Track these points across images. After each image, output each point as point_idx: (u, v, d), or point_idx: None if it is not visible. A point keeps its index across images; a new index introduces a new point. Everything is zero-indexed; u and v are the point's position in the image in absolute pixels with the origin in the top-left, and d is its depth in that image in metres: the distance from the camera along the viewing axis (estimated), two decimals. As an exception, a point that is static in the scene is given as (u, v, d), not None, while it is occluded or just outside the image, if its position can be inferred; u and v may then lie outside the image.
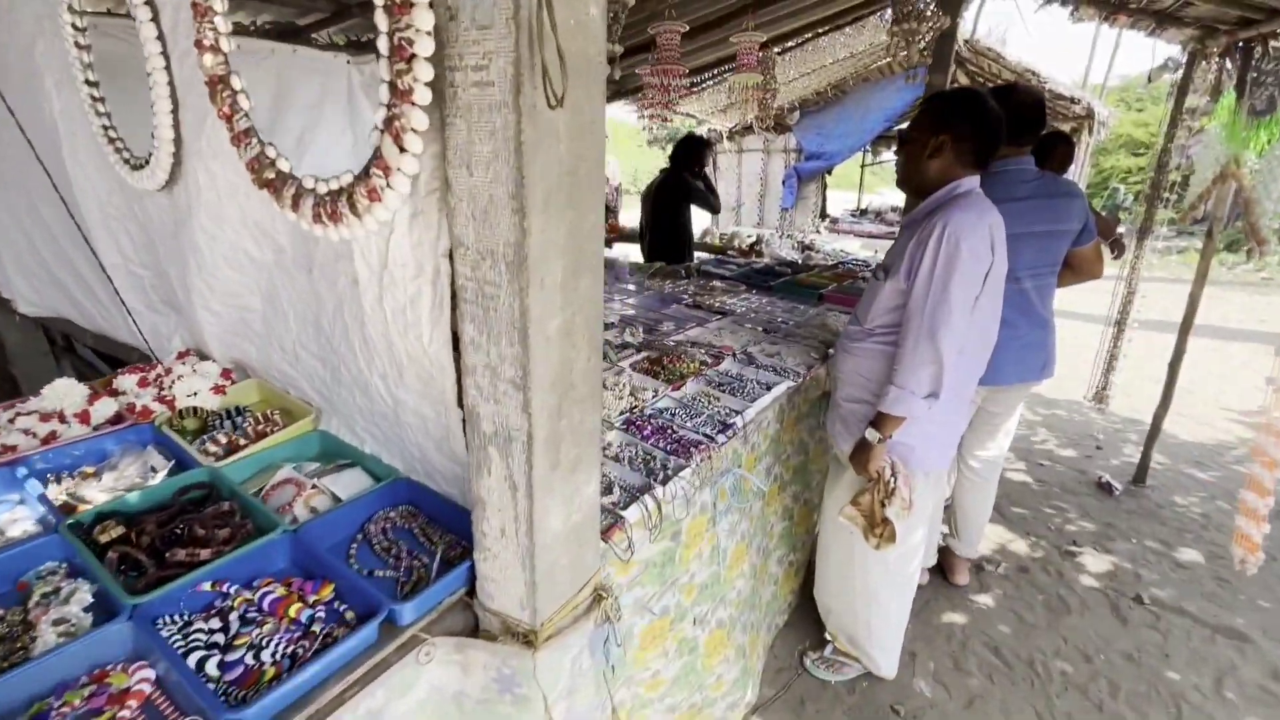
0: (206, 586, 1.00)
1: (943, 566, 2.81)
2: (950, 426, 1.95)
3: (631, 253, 4.89)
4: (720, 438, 1.71)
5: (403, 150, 0.77)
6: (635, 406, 1.82)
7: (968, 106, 1.70)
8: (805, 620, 2.50)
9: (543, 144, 0.74)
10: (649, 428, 1.71)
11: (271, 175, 0.91)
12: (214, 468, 1.28)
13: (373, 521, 1.22)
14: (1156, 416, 3.64)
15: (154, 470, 1.32)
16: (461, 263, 0.84)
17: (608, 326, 2.59)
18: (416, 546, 1.19)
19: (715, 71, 5.53)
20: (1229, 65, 3.30)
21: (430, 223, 0.90)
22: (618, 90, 5.48)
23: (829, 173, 7.87)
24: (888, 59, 5.47)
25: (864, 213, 9.63)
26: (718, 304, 3.06)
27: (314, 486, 1.23)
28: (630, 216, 6.13)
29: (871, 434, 1.79)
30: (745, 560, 2.07)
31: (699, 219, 5.05)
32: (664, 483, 1.44)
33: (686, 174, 4.24)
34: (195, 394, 1.47)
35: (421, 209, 0.90)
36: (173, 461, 1.34)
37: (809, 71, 6.02)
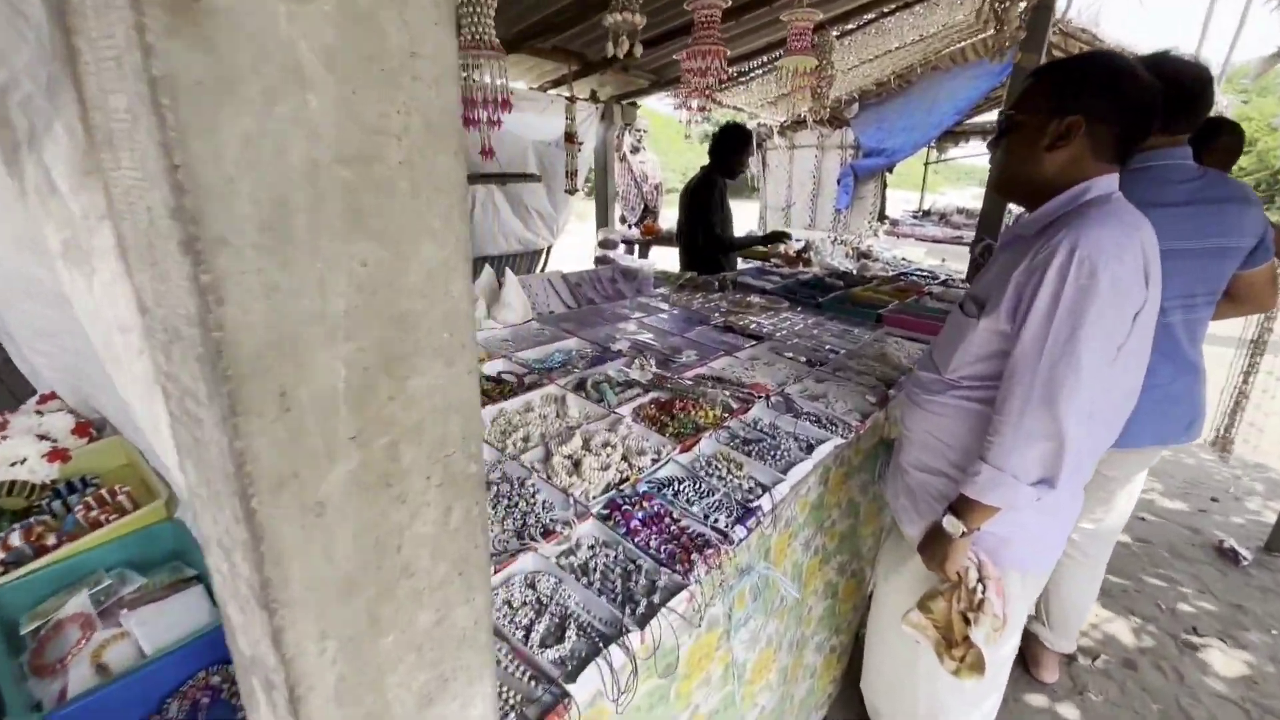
0: None
1: (1025, 656, 2.26)
2: (1063, 514, 1.41)
3: (665, 258, 4.41)
4: (738, 530, 1.24)
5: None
6: (626, 478, 1.36)
7: (1109, 76, 1.17)
8: (848, 715, 2.03)
9: (241, 88, 0.31)
10: (639, 514, 1.24)
11: None
12: (-19, 591, 0.89)
13: (180, 693, 0.79)
14: (1300, 469, 2.95)
15: (-74, 581, 0.94)
16: (152, 345, 0.41)
17: (616, 355, 2.13)
18: (236, 745, 0.77)
19: (764, 59, 5.01)
20: None
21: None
22: (656, 81, 5.06)
23: (889, 171, 7.22)
24: (970, 39, 4.84)
25: (926, 214, 8.95)
26: (753, 325, 2.57)
27: (115, 626, 0.84)
28: (669, 216, 5.64)
29: (952, 524, 1.30)
30: (771, 669, 1.60)
31: (745, 219, 4.54)
32: (643, 621, 0.98)
33: (718, 174, 3.72)
34: (22, 460, 1.09)
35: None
36: (-47, 569, 0.96)
37: (870, 59, 5.43)
